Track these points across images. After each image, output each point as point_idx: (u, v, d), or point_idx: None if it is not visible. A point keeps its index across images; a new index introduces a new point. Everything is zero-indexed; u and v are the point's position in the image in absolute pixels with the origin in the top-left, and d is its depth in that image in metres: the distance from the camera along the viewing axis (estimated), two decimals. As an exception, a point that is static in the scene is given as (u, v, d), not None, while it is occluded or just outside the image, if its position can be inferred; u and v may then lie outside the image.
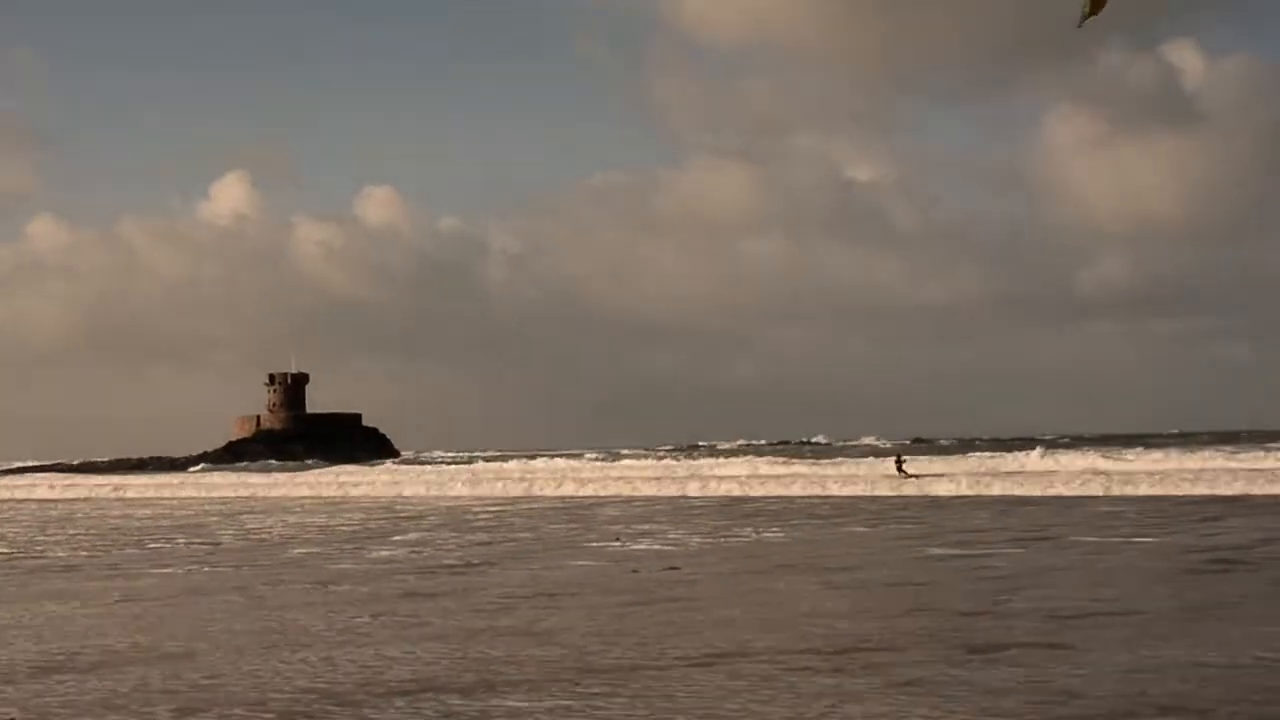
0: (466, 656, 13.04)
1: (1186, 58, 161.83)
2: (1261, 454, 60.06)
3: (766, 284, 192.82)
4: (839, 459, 75.84)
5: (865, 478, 55.20)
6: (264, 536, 34.16)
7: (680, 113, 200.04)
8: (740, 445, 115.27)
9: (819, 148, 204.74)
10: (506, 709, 10.34)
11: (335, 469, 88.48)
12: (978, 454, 70.65)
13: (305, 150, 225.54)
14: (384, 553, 27.58)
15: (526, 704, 10.53)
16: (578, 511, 42.49)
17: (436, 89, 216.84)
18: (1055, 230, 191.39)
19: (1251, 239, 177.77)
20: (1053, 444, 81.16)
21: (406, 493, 61.31)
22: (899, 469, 56.08)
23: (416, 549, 28.50)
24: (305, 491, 65.69)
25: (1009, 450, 69.73)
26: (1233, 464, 54.17)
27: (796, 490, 51.70)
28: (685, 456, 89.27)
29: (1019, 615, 15.54)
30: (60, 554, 29.95)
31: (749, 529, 32.03)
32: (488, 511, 44.33)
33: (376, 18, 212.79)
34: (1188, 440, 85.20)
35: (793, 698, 10.71)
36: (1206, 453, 63.81)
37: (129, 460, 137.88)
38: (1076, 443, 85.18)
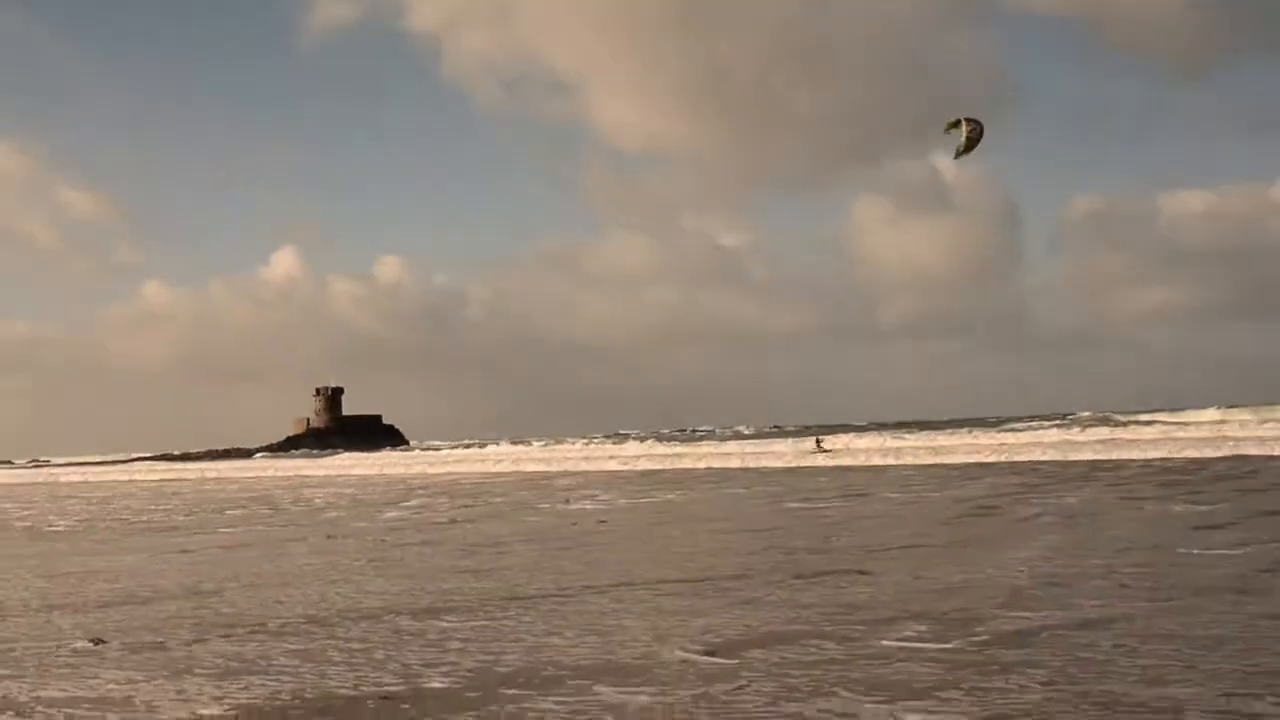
0: (425, 589, 12.79)
1: (945, 164, 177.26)
2: (1003, 434, 62.45)
3: (663, 319, 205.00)
4: (716, 441, 78.38)
5: (737, 454, 55.74)
6: (311, 504, 33.77)
7: (601, 198, 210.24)
8: (651, 432, 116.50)
9: (699, 223, 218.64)
10: (440, 627, 10.15)
11: (351, 455, 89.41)
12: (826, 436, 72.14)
13: (337, 228, 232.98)
14: (393, 514, 27.28)
15: (456, 623, 10.33)
16: (539, 482, 42.28)
17: (432, 182, 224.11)
18: (863, 279, 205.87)
19: (987, 284, 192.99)
20: (863, 429, 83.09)
21: (416, 470, 60.89)
22: (819, 446, 56.06)
23: (418, 511, 28.19)
24: (339, 472, 65.07)
25: (834, 433, 71.51)
26: (983, 441, 55.64)
27: (689, 464, 51.69)
28: (611, 442, 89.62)
29: (839, 550, 15.46)
30: (163, 518, 29.49)
31: (660, 493, 31.91)
32: (473, 483, 44.02)
33: (391, 132, 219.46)
34: (956, 425, 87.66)
35: (655, 612, 10.61)
36: (967, 431, 67.72)
37: (215, 450, 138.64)
38: (880, 427, 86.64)
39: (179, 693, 7.74)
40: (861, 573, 12.85)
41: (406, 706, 7.23)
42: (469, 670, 8.19)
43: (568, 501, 29.18)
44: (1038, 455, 43.14)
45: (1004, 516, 19.76)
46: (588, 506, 27.00)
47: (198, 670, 8.47)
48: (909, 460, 44.51)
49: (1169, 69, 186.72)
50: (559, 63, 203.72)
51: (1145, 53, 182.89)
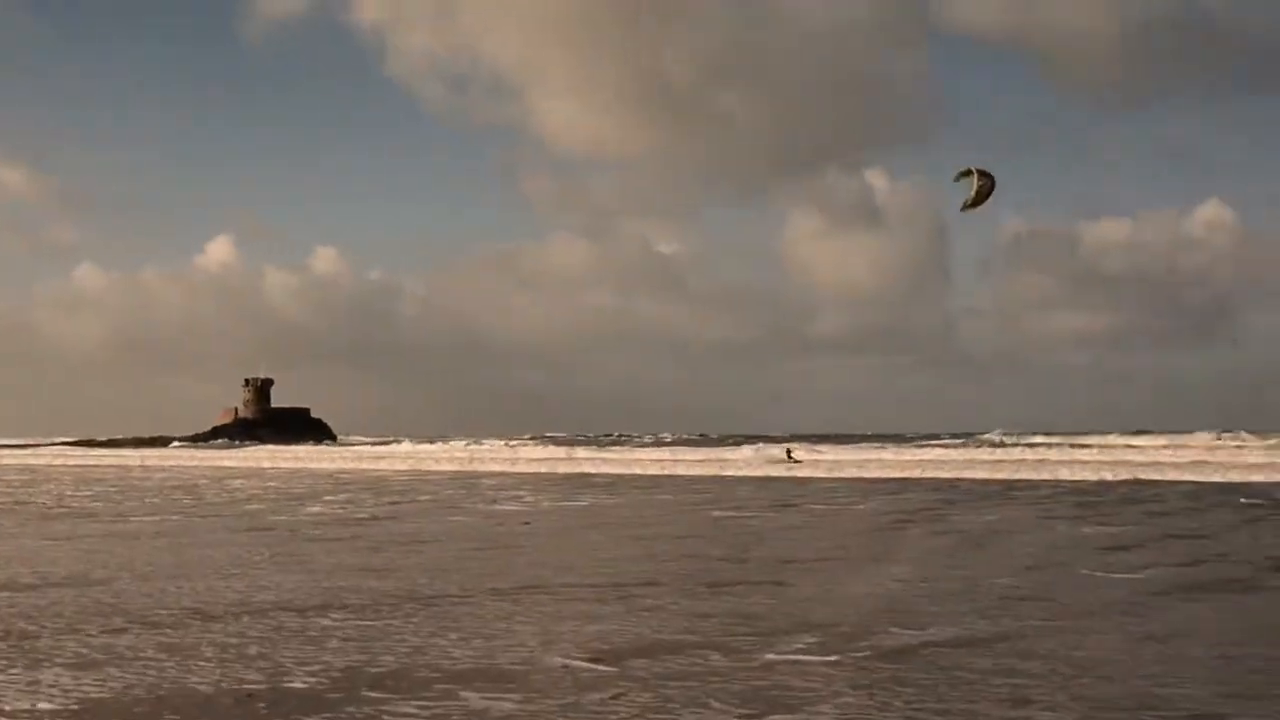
0: (320, 586, 12.57)
1: (878, 180, 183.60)
2: (925, 450, 63.83)
3: (601, 324, 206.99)
4: (649, 447, 79.21)
5: (661, 461, 56.08)
6: (235, 495, 33.28)
7: (542, 200, 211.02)
8: (578, 436, 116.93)
9: (639, 229, 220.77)
10: (322, 625, 9.97)
11: (272, 447, 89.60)
12: (750, 445, 73.46)
13: (275, 218, 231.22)
14: (315, 509, 26.85)
15: (341, 621, 10.15)
16: (468, 481, 42.02)
17: (371, 177, 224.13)
18: (796, 292, 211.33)
19: (916, 303, 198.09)
20: (783, 439, 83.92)
21: (348, 465, 60.29)
22: (789, 456, 56.08)
23: (342, 506, 27.79)
24: (268, 464, 64.34)
25: (754, 443, 73.01)
26: (905, 456, 56.20)
27: (616, 469, 51.70)
28: (539, 444, 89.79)
29: (757, 561, 15.38)
30: (81, 505, 28.89)
31: (587, 496, 31.75)
32: (403, 480, 43.64)
33: (333, 124, 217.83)
34: (880, 439, 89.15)
35: (551, 617, 10.47)
36: (889, 446, 70.13)
37: (141, 438, 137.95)
38: (804, 438, 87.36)
39: (30, 684, 7.52)
40: (777, 583, 12.79)
41: (262, 706, 7.06)
42: (339, 670, 8.03)
43: (495, 502, 28.96)
44: (957, 473, 43.76)
45: (920, 531, 19.82)
46: (513, 508, 26.79)
47: (58, 661, 8.25)
48: (826, 472, 44.83)
49: (1097, 99, 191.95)
50: (503, 64, 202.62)
51: (1076, 82, 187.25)
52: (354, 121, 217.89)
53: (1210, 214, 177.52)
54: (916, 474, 43.33)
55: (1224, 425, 75.87)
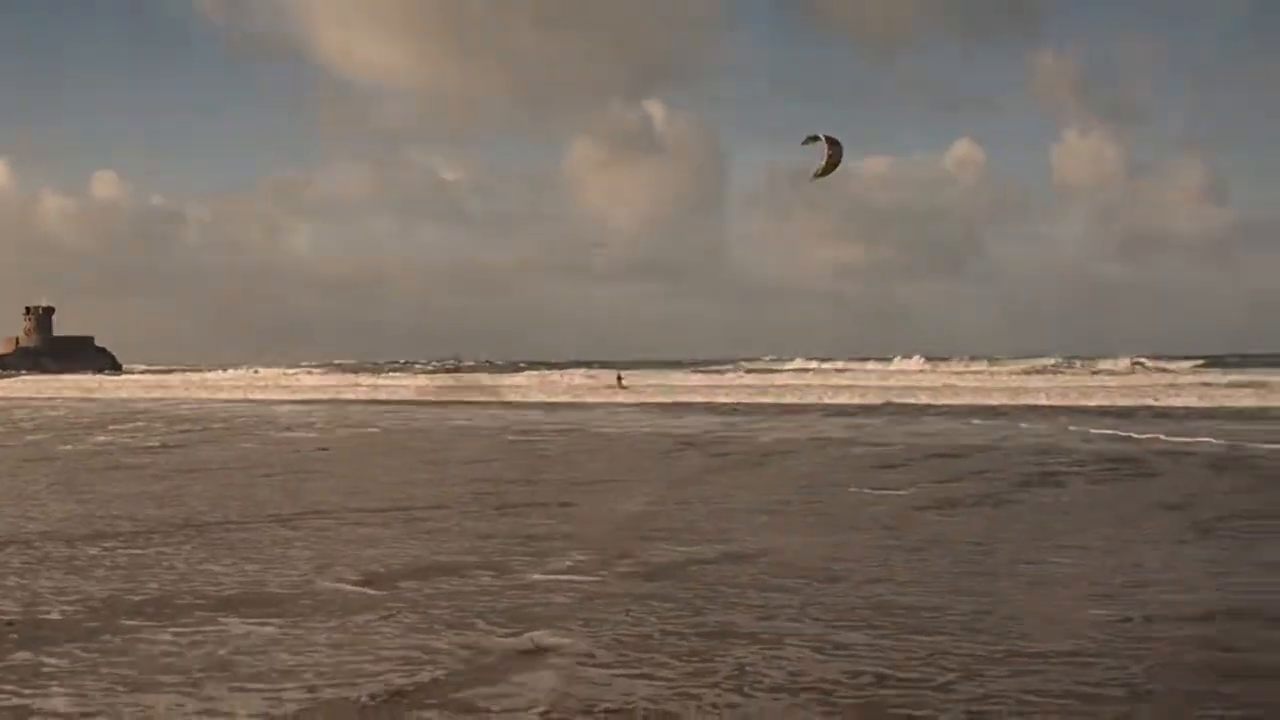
0: (95, 515, 12.07)
1: (658, 111, 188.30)
2: (703, 375, 64.83)
3: (384, 250, 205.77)
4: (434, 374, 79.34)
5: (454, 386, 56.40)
6: (18, 425, 31.68)
7: (326, 125, 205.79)
8: (364, 363, 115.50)
9: (423, 156, 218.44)
10: (90, 554, 9.56)
11: (55, 377, 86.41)
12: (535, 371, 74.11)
13: (50, 141, 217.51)
14: (102, 438, 25.78)
15: (109, 550, 9.75)
16: (259, 408, 41.01)
17: (151, 99, 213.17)
18: (579, 219, 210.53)
19: (691, 229, 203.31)
20: (566, 365, 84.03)
21: (136, 394, 58.12)
22: (619, 382, 56.43)
23: (131, 435, 26.76)
24: (55, 394, 61.64)
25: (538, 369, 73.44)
26: (691, 381, 57.72)
27: (404, 395, 51.36)
28: (326, 372, 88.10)
29: (547, 483, 15.41)
30: None
31: (384, 422, 31.35)
32: (193, 409, 42.27)
33: (108, 43, 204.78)
34: (659, 365, 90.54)
35: (329, 541, 10.29)
36: (675, 372, 70.12)
37: None
38: (585, 364, 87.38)
39: None
40: (563, 505, 12.82)
41: (14, 636, 6.73)
42: (100, 599, 7.72)
43: (289, 429, 28.34)
44: (735, 397, 45.27)
45: (700, 454, 20.22)
46: (306, 435, 26.25)
47: None
48: (623, 399, 45.54)
49: (865, 42, 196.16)
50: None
51: (846, 25, 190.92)
52: (132, 40, 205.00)
53: (962, 152, 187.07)
54: (696, 399, 44.29)
55: (973, 352, 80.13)
